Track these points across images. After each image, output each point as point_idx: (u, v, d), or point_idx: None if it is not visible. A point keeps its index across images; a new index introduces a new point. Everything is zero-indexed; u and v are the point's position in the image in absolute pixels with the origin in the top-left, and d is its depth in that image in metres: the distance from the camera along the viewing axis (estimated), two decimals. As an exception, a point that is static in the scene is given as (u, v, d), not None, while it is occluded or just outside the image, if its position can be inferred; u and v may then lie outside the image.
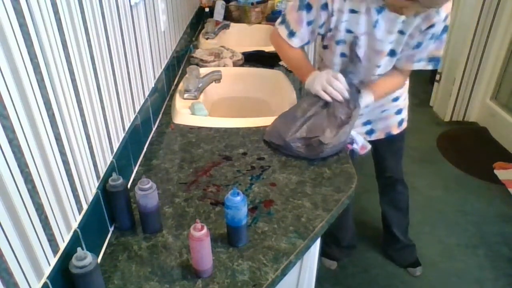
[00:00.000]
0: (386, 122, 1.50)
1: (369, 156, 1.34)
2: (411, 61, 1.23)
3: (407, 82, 1.48)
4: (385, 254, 1.95)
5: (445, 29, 1.16)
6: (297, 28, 1.24)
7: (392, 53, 1.22)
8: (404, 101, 1.50)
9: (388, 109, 1.46)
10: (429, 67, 1.24)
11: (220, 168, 1.09)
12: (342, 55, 1.29)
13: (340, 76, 1.17)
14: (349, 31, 1.20)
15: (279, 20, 1.30)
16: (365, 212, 2.18)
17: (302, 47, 1.32)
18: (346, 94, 1.16)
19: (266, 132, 1.22)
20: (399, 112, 1.49)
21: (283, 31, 1.28)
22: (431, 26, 1.12)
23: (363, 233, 2.06)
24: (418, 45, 1.18)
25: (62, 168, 0.68)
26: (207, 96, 1.57)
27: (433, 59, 1.23)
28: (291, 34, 1.26)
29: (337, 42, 1.26)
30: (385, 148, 1.61)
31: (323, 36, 1.31)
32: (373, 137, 1.53)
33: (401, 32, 1.16)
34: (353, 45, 1.22)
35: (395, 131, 1.52)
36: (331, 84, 1.16)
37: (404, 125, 1.55)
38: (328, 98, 1.16)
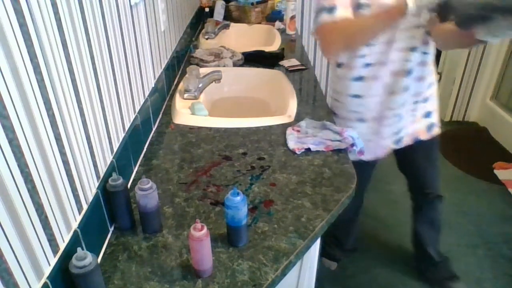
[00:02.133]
0: (414, 126, 1.39)
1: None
2: None
3: (436, 86, 1.39)
4: (418, 271, 1.82)
5: None
6: (332, 1, 1.13)
7: None
8: (434, 104, 1.40)
9: (416, 109, 1.36)
10: None
11: (220, 168, 1.09)
12: None
13: None
14: None
15: (315, 18, 1.18)
16: (365, 212, 2.18)
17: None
18: None
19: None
20: (428, 115, 1.39)
21: (324, 18, 1.14)
22: None
23: (363, 233, 2.06)
24: None
25: (62, 168, 0.68)
26: (207, 96, 1.57)
27: None
28: (330, 10, 1.13)
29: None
30: (421, 157, 1.49)
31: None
32: (401, 144, 1.41)
33: None
34: None
35: (424, 136, 1.41)
36: None
37: (435, 131, 1.42)
38: None
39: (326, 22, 1.14)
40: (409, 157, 1.50)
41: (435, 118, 1.42)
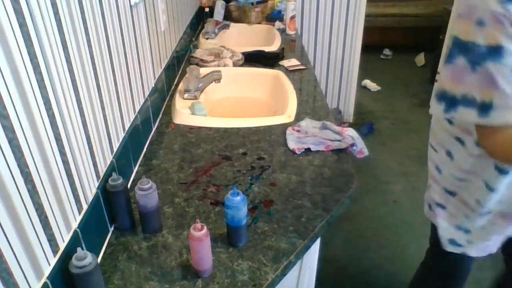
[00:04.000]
0: None
1: (369, 157, 1.33)
2: None
3: None
4: None
5: None
6: (490, 91, 0.78)
7: None
8: None
9: None
10: None
11: (220, 168, 1.09)
12: None
13: None
14: None
15: (483, 113, 0.81)
16: (365, 212, 2.18)
17: None
18: None
19: None
20: None
21: (466, 114, 0.83)
22: None
23: (363, 233, 2.06)
24: None
25: (62, 168, 0.68)
26: (207, 96, 1.57)
27: None
28: (484, 109, 0.80)
29: None
30: None
31: None
32: None
33: None
34: None
35: None
36: None
37: None
38: None
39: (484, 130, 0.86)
40: None
41: None
